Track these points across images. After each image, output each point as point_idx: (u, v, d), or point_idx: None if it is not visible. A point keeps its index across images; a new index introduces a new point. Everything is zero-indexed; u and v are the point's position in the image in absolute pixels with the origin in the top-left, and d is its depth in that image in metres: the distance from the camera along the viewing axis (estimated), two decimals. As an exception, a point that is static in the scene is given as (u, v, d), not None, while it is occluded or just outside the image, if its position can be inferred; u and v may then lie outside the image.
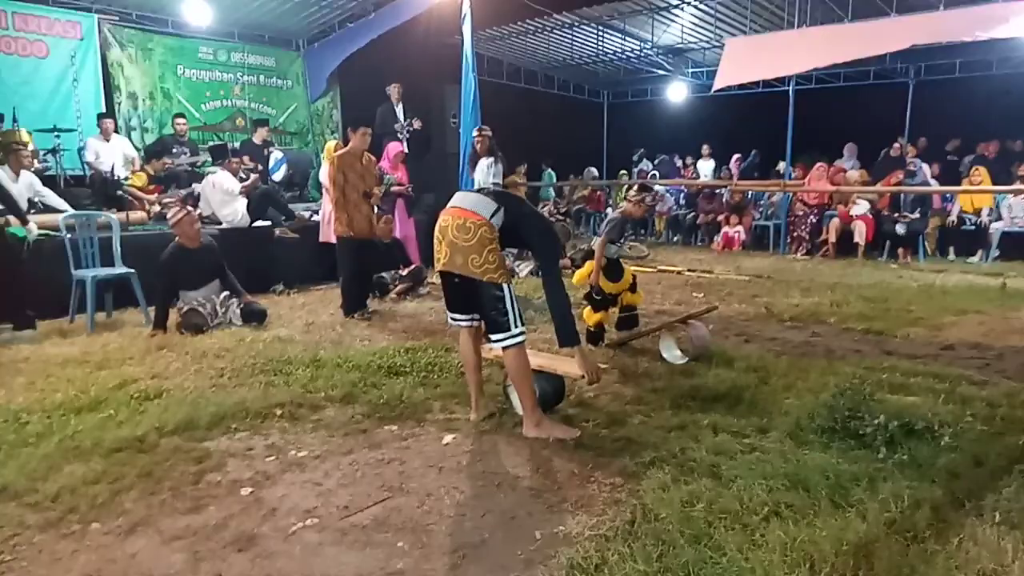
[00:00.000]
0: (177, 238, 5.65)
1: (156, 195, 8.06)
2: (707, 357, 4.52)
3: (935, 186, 9.92)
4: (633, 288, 5.08)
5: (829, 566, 2.11)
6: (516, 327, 3.26)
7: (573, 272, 5.27)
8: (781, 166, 11.62)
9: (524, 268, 8.46)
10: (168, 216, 5.84)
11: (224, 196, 7.50)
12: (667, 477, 2.77)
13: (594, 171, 15.23)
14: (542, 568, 2.22)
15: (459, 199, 3.39)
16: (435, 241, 3.37)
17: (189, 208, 6.01)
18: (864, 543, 2.23)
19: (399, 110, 9.29)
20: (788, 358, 4.57)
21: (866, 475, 2.72)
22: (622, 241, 5.15)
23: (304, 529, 2.49)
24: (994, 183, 9.59)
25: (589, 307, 5.00)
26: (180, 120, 9.27)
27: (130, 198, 7.65)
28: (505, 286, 3.26)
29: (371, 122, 6.38)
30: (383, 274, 7.13)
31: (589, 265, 4.93)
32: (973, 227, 9.78)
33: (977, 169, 9.82)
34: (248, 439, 3.33)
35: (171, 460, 3.05)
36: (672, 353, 4.62)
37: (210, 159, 8.94)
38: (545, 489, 2.79)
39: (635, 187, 5.25)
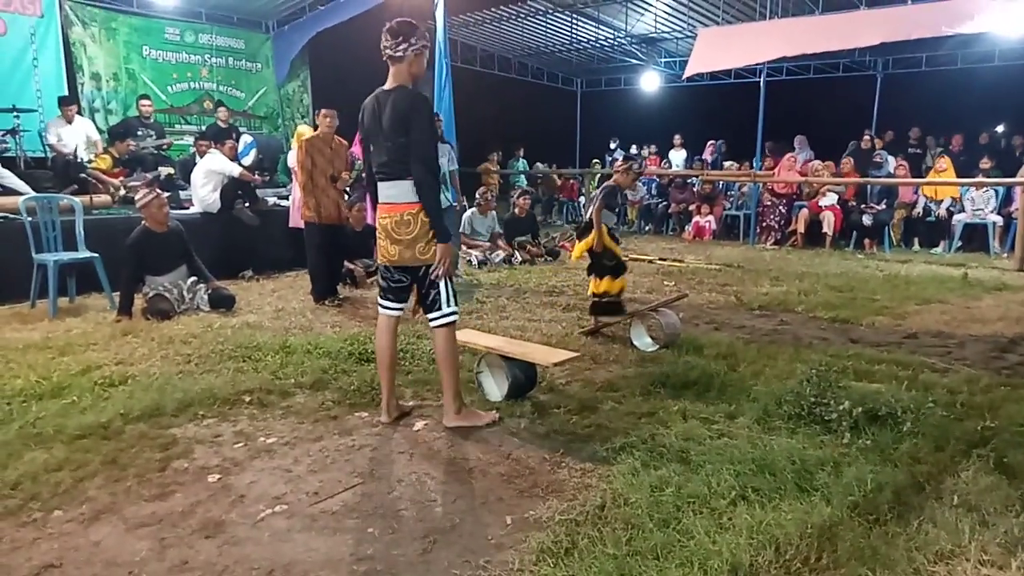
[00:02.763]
0: (144, 222, 5.53)
1: (121, 178, 7.87)
2: (677, 344, 4.57)
3: (900, 178, 10.10)
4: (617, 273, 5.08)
5: (794, 548, 2.15)
6: (449, 306, 3.22)
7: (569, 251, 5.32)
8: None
9: (498, 256, 8.45)
10: (136, 199, 5.70)
11: (212, 178, 7.30)
12: (637, 462, 2.80)
13: (539, 165, 15.22)
14: (512, 552, 2.23)
15: (386, 192, 3.20)
16: (378, 237, 3.27)
17: (157, 191, 5.88)
18: (828, 526, 2.28)
19: None
20: (757, 346, 4.64)
21: (831, 460, 2.77)
22: (617, 211, 5.19)
23: (273, 515, 2.47)
24: (958, 176, 9.79)
25: (607, 276, 4.91)
26: (145, 102, 9.05)
27: (94, 181, 7.45)
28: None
29: (334, 105, 6.27)
30: (356, 263, 7.07)
31: (587, 241, 4.91)
32: (935, 219, 9.99)
33: (943, 157, 10.02)
34: (216, 426, 3.29)
35: (136, 447, 3.00)
36: (643, 340, 4.65)
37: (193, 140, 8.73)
38: (516, 475, 2.80)
39: (619, 159, 5.36)
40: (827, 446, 2.94)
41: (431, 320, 3.26)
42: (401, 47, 3.06)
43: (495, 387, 3.69)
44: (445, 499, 2.61)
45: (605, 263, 4.93)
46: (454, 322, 3.27)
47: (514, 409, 3.47)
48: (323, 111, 6.06)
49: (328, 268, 6.21)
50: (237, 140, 9.16)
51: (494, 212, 9.05)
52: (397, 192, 3.15)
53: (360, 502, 2.57)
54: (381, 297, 3.38)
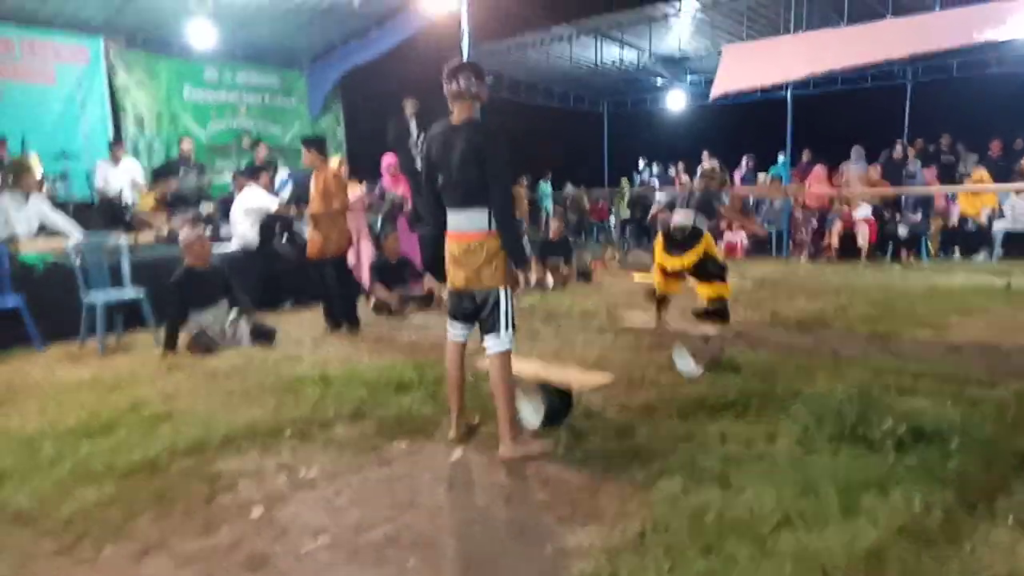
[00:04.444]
0: (185, 259, 5.70)
1: (166, 217, 8.13)
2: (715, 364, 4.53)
3: (936, 186, 9.92)
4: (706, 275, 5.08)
5: (842, 574, 2.11)
6: (506, 331, 3.29)
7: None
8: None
9: (531, 280, 8.48)
10: (180, 237, 5.89)
11: (251, 214, 7.48)
12: (676, 487, 2.78)
13: (570, 186, 15.29)
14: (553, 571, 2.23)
15: (455, 222, 3.35)
16: (447, 264, 3.42)
17: (200, 230, 6.07)
18: (876, 550, 2.24)
19: (413, 126, 9.32)
20: (794, 363, 4.58)
21: (876, 480, 2.72)
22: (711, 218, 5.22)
23: (316, 549, 2.50)
24: (996, 182, 9.58)
25: (716, 280, 5.04)
26: (186, 141, 9.37)
27: (139, 220, 7.71)
28: (505, 291, 3.29)
29: (319, 141, 6.42)
30: (392, 292, 7.13)
31: (723, 285, 5.04)
32: (975, 228, 9.77)
33: (979, 171, 9.83)
34: (259, 459, 3.35)
35: (183, 482, 3.07)
36: (686, 364, 4.56)
37: (230, 177, 9.00)
38: (555, 502, 2.80)
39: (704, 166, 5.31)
40: (871, 466, 2.88)
41: (488, 346, 3.33)
42: (476, 85, 3.30)
43: (532, 414, 3.69)
44: (484, 529, 2.62)
45: (711, 269, 4.95)
46: (510, 350, 3.34)
47: (551, 435, 3.48)
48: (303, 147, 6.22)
49: (325, 301, 6.30)
50: (275, 174, 9.43)
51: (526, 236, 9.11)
52: (467, 221, 3.29)
53: (400, 533, 2.60)
54: (450, 322, 3.52)
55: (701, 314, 5.04)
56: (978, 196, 9.73)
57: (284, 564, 2.40)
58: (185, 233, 5.83)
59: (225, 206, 8.53)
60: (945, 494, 2.60)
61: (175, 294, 5.57)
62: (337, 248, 6.13)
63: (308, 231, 6.26)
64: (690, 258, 4.93)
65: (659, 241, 5.23)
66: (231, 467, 3.25)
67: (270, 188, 8.05)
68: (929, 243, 9.87)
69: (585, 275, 9.02)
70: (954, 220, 9.93)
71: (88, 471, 3.18)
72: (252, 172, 8.55)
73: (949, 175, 10.57)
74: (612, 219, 14.11)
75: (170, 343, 5.47)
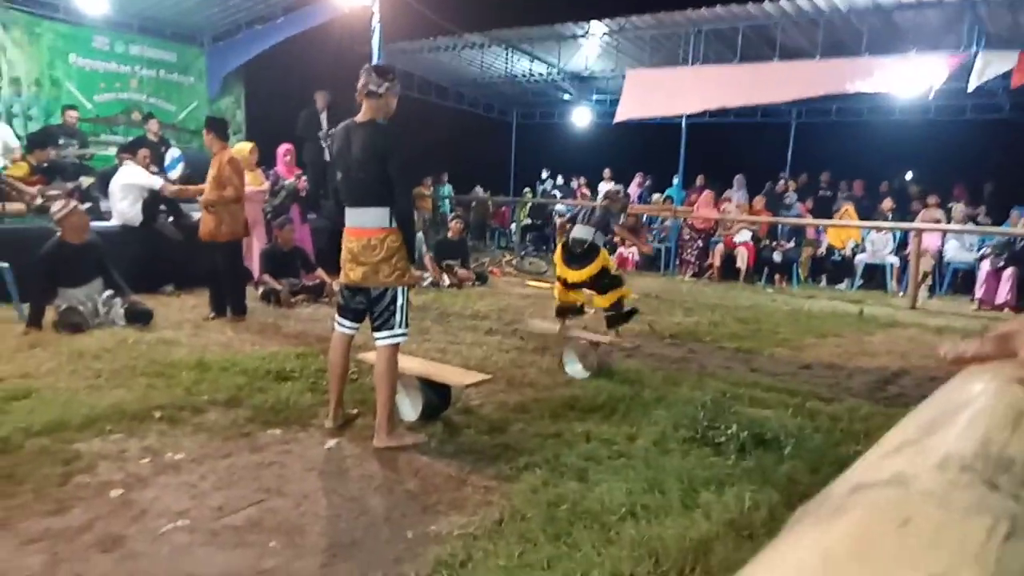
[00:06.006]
0: (59, 232, 5.41)
1: (39, 187, 7.63)
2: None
3: (808, 219, 10.76)
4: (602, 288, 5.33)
5: (671, 560, 2.33)
6: (401, 328, 3.43)
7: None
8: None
9: (426, 279, 8.54)
10: (54, 209, 5.57)
11: (131, 191, 7.13)
12: (538, 481, 2.95)
13: (479, 190, 15.52)
14: (410, 565, 2.33)
15: (354, 218, 3.42)
16: (343, 260, 3.47)
17: (76, 202, 5.76)
18: (705, 540, 2.47)
19: (323, 119, 9.18)
20: (663, 373, 4.88)
21: (716, 479, 2.99)
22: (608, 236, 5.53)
23: (174, 530, 2.49)
24: (861, 219, 10.51)
25: (615, 288, 5.29)
26: (71, 112, 8.83)
27: (8, 188, 7.20)
28: (403, 289, 3.42)
29: (221, 123, 6.30)
30: (281, 282, 7.02)
31: (619, 291, 5.32)
32: (840, 259, 10.68)
33: (846, 207, 10.76)
34: (123, 441, 3.26)
35: (35, 462, 2.96)
36: (575, 367, 4.79)
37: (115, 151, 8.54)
38: (421, 492, 2.90)
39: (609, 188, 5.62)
40: (715, 467, 3.16)
41: (379, 339, 3.41)
42: (383, 85, 3.34)
43: (409, 407, 3.78)
44: (349, 515, 2.69)
45: (605, 281, 5.22)
46: (399, 344, 3.43)
47: (426, 429, 3.58)
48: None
49: (213, 285, 6.15)
50: (166, 152, 9.04)
51: (422, 235, 9.13)
52: (366, 218, 3.36)
53: (264, 517, 2.62)
54: (339, 315, 3.59)
55: (609, 322, 5.35)
56: (844, 230, 10.63)
57: (138, 545, 2.38)
58: (59, 205, 5.52)
59: (106, 180, 8.10)
60: (772, 494, 2.89)
61: (42, 268, 5.28)
62: (230, 233, 5.97)
63: (201, 213, 6.07)
64: (588, 271, 5.19)
65: (559, 254, 5.45)
66: (91, 448, 3.15)
67: (154, 165, 7.70)
68: (800, 270, 10.68)
69: (481, 278, 9.17)
70: (823, 250, 10.79)
71: (-71, 448, 3.00)
72: (131, 147, 8.15)
73: (826, 209, 11.48)
74: (513, 226, 14.37)
75: (34, 319, 5.17)
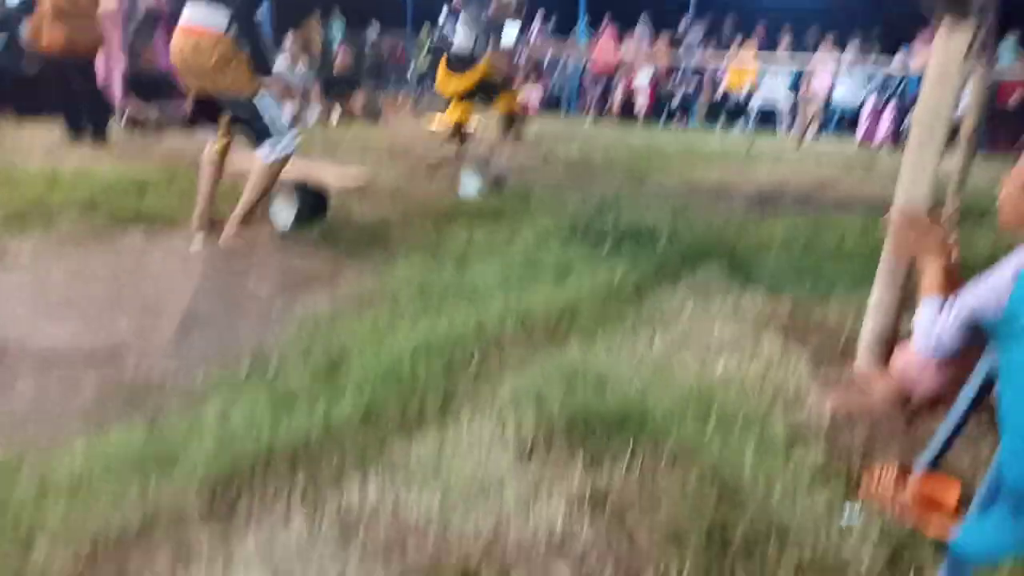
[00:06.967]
0: None
1: None
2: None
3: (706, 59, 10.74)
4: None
5: (538, 319, 2.39)
6: (281, 136, 3.08)
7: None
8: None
9: (313, 113, 8.07)
10: None
11: None
12: (414, 268, 2.92)
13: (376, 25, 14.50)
14: (271, 332, 2.27)
15: (190, 14, 3.00)
16: (175, 65, 3.09)
17: None
18: (572, 303, 2.54)
19: None
20: (554, 191, 4.88)
21: (590, 261, 3.06)
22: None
23: (14, 305, 2.33)
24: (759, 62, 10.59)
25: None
26: None
27: None
28: (257, 95, 3.05)
29: None
30: (149, 107, 6.43)
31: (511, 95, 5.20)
32: (737, 103, 10.83)
33: (747, 50, 10.75)
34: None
35: None
36: (470, 184, 4.62)
37: None
38: (293, 280, 2.82)
39: None
40: (590, 254, 3.22)
41: (261, 155, 3.07)
42: None
43: (284, 214, 3.61)
44: (211, 298, 2.60)
45: (494, 86, 5.15)
46: (286, 158, 3.12)
47: (303, 236, 3.44)
48: None
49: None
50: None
51: (303, 65, 8.38)
52: (202, 15, 2.96)
53: (118, 299, 2.49)
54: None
55: (503, 129, 5.27)
56: (742, 72, 10.69)
57: (-28, 322, 2.21)
58: None
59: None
60: (641, 270, 2.99)
61: None
62: (85, 47, 5.32)
63: (47, 23, 5.33)
64: (470, 77, 4.97)
65: (441, 67, 5.19)
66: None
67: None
68: (697, 111, 10.78)
69: (374, 114, 8.75)
70: (720, 93, 10.88)
71: None
72: None
73: (727, 50, 11.40)
74: (411, 67, 13.63)
75: None
